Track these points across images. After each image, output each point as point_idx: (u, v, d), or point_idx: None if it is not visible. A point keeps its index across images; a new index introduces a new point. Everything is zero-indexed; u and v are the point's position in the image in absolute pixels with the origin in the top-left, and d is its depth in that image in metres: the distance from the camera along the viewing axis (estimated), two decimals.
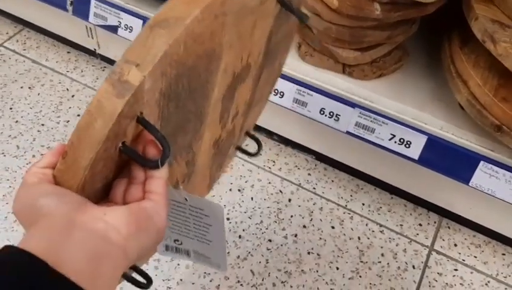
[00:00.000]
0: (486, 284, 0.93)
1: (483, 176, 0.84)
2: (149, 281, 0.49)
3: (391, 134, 0.88)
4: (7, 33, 1.34)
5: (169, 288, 0.88)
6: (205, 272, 0.90)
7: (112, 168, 0.42)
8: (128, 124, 0.39)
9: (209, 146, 0.60)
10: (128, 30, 1.04)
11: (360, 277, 0.92)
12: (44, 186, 0.39)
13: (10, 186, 1.00)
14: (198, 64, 0.44)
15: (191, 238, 0.58)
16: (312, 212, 1.01)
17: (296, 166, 1.09)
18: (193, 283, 0.88)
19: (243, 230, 0.96)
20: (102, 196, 0.44)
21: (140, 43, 0.39)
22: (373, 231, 0.99)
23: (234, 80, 0.54)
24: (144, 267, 0.94)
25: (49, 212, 0.36)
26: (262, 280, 0.90)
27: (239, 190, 1.03)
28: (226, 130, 0.62)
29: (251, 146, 0.75)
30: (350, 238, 0.97)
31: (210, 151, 0.61)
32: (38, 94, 1.19)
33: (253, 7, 0.47)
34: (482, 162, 0.83)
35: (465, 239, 0.99)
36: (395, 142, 0.88)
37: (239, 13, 0.45)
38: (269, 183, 1.05)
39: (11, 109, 1.15)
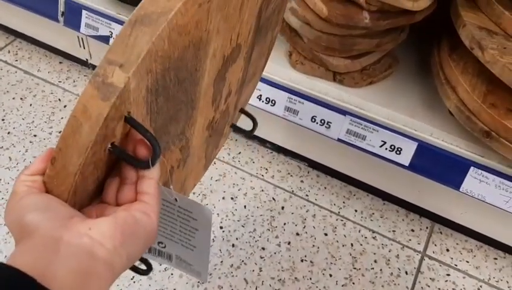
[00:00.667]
0: (478, 289, 0.93)
1: (473, 181, 0.84)
2: (149, 267, 0.48)
3: (382, 141, 0.88)
4: None
5: None
6: (199, 282, 0.90)
7: (103, 169, 0.42)
8: (116, 125, 0.38)
9: (202, 129, 0.59)
10: None
11: (354, 283, 0.92)
12: (32, 198, 0.39)
13: (3, 198, 0.99)
14: (185, 55, 0.42)
15: (176, 242, 0.57)
16: (305, 219, 1.01)
17: (288, 173, 1.09)
18: None
19: (236, 239, 0.97)
20: (95, 195, 0.43)
21: (122, 42, 0.37)
22: (366, 238, 0.99)
23: (224, 62, 0.52)
24: (136, 277, 0.94)
25: (35, 229, 0.36)
26: (256, 288, 0.90)
27: (232, 198, 1.03)
28: (220, 111, 0.61)
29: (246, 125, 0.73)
30: (343, 245, 0.97)
31: (204, 134, 0.60)
32: (31, 105, 1.18)
33: None
34: (472, 168, 0.84)
35: (457, 244, 1.00)
36: (386, 148, 0.89)
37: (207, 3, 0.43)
38: (262, 191, 1.05)
39: (3, 120, 1.14)
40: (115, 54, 0.37)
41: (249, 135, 0.72)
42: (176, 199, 0.51)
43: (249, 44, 0.57)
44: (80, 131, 0.37)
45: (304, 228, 0.99)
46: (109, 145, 0.39)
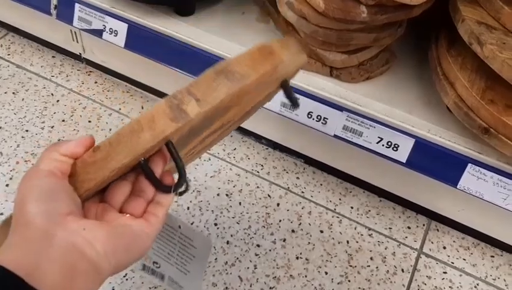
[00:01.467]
0: (475, 287, 0.92)
1: (471, 178, 0.83)
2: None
3: (379, 137, 0.87)
4: None
5: None
6: None
7: (124, 174, 0.44)
8: (162, 145, 0.42)
9: None
10: (113, 34, 1.03)
11: (349, 281, 0.91)
12: (46, 182, 0.39)
13: None
14: (217, 113, 0.46)
15: (171, 265, 0.59)
16: (301, 216, 1.00)
17: (284, 170, 1.08)
18: None
19: (231, 235, 0.95)
20: (99, 193, 0.45)
21: (205, 83, 0.43)
22: (362, 235, 0.98)
23: (208, 134, 0.56)
24: (130, 274, 0.93)
25: (32, 221, 0.37)
26: (251, 286, 0.89)
27: (227, 195, 1.02)
28: None
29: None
30: (339, 242, 0.96)
31: None
32: (23, 99, 1.17)
33: (266, 81, 0.50)
34: (469, 165, 0.83)
35: (454, 242, 0.99)
36: (383, 145, 0.88)
37: (260, 85, 0.48)
38: (257, 187, 1.04)
39: None
40: (197, 89, 0.43)
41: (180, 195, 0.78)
42: (179, 226, 0.55)
43: (225, 128, 0.61)
44: (139, 135, 0.40)
45: (300, 225, 0.98)
46: (142, 160, 0.42)
